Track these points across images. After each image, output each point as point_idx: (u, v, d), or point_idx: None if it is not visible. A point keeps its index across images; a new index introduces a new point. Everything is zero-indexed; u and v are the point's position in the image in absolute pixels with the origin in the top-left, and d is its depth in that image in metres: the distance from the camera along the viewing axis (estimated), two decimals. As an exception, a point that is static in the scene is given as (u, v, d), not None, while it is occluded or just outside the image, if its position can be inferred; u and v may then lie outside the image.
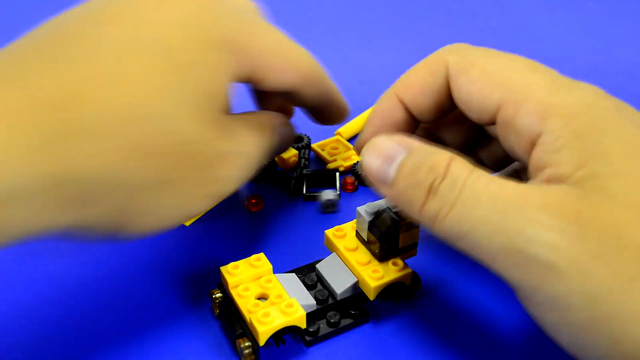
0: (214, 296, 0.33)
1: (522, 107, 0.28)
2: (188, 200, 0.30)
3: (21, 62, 0.26)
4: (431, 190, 0.27)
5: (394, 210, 0.33)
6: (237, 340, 0.31)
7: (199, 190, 0.30)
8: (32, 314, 0.34)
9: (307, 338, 0.32)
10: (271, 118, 0.36)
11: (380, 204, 0.33)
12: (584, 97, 0.28)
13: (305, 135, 0.47)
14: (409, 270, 0.33)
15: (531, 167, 0.28)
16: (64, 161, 0.25)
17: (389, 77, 0.56)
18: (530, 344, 0.32)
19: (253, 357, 0.31)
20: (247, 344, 0.31)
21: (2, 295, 0.35)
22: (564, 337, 0.25)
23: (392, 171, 0.28)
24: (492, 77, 0.30)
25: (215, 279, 0.35)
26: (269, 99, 0.40)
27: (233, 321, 0.31)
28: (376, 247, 0.33)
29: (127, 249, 0.38)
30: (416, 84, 0.33)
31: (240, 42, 0.31)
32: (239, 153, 0.31)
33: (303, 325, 0.31)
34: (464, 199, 0.26)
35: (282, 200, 0.42)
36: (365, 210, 0.33)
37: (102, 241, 0.29)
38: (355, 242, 0.34)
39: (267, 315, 0.30)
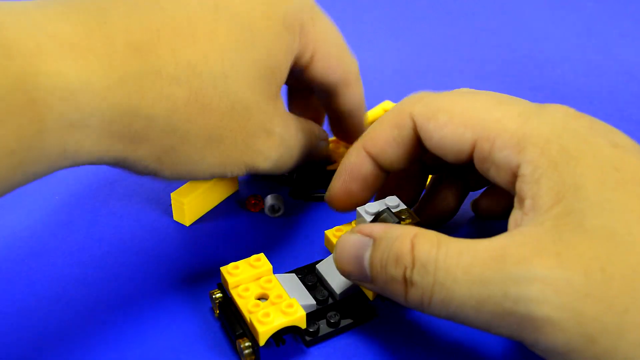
0: (214, 296, 0.33)
1: (496, 142, 0.29)
2: (226, 161, 0.31)
3: (111, 5, 0.28)
4: (407, 282, 0.27)
5: (393, 211, 0.33)
6: (237, 340, 0.31)
7: (238, 155, 0.32)
8: (32, 314, 0.34)
9: (307, 338, 0.32)
10: (318, 128, 0.38)
11: (379, 204, 0.34)
12: (554, 121, 0.28)
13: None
14: None
15: (516, 197, 0.28)
16: (135, 98, 0.27)
17: (389, 77, 0.56)
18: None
19: (253, 357, 0.31)
20: (247, 344, 0.31)
21: (2, 295, 0.35)
22: None
23: (366, 270, 0.29)
24: (460, 118, 0.31)
25: (215, 279, 0.36)
26: (304, 98, 0.42)
27: (233, 321, 0.32)
28: None
29: (128, 248, 0.38)
30: (382, 138, 0.33)
31: (303, 23, 0.34)
32: (283, 138, 0.34)
33: (303, 326, 0.31)
34: (440, 282, 0.26)
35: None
36: (365, 210, 0.33)
37: (141, 175, 0.30)
38: None
39: (267, 315, 0.30)
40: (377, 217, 0.33)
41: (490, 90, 0.53)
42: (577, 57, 0.58)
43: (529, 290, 0.24)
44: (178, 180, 0.31)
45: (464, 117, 0.30)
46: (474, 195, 0.40)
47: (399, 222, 0.32)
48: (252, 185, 0.43)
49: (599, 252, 0.24)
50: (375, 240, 0.29)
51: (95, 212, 0.41)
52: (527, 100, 0.31)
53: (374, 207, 0.33)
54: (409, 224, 0.33)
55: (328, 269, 0.34)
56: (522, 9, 0.67)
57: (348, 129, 0.41)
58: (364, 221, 0.33)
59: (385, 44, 0.61)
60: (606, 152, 0.27)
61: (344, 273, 0.30)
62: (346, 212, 0.36)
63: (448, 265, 0.26)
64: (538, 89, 0.54)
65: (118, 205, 0.41)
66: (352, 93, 0.39)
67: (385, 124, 0.34)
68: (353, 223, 0.35)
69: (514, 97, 0.31)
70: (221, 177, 0.34)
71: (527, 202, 0.27)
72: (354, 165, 0.34)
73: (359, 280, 0.30)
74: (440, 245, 0.27)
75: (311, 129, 0.37)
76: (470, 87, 0.54)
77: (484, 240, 0.26)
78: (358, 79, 0.39)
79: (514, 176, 0.28)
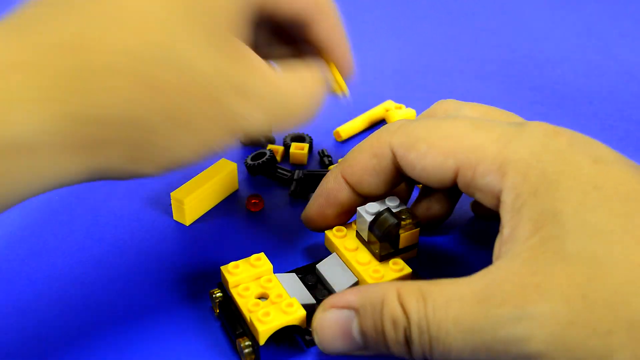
0: (214, 296, 0.33)
1: (478, 168, 0.29)
2: (206, 137, 0.29)
3: (30, 15, 0.26)
4: (407, 342, 0.27)
5: (394, 211, 0.33)
6: (237, 340, 0.31)
7: (217, 127, 0.29)
8: (32, 313, 0.34)
9: (307, 338, 0.32)
10: (317, 69, 0.34)
11: (380, 204, 0.34)
12: (533, 142, 0.29)
13: (307, 135, 0.47)
14: (409, 270, 0.33)
15: (501, 219, 0.29)
16: (78, 99, 0.25)
17: (389, 77, 0.56)
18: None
19: (253, 356, 0.31)
20: (247, 343, 0.30)
21: (2, 295, 0.35)
22: None
23: (358, 341, 0.29)
24: (440, 147, 0.31)
25: (215, 278, 0.35)
26: (278, 42, 0.38)
27: (233, 321, 0.31)
28: (376, 247, 0.33)
29: (128, 248, 0.38)
30: (361, 166, 0.34)
31: None
32: (264, 93, 0.30)
33: (303, 325, 0.31)
34: (435, 336, 0.26)
35: (282, 200, 0.42)
36: (365, 210, 0.33)
37: (126, 179, 0.28)
38: (356, 242, 0.34)
39: (267, 314, 0.30)
40: (378, 217, 0.33)
41: (490, 90, 0.54)
42: (577, 57, 0.58)
43: (516, 330, 0.25)
44: (168, 173, 0.29)
45: (444, 145, 0.31)
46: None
47: (399, 223, 0.33)
48: (252, 185, 0.43)
49: (579, 278, 0.25)
50: (357, 310, 0.29)
51: (95, 212, 0.41)
52: (504, 122, 0.31)
53: (374, 207, 0.33)
54: (409, 224, 0.33)
55: (328, 269, 0.34)
56: (522, 9, 0.67)
57: (335, 62, 0.38)
58: (365, 221, 0.33)
59: (385, 43, 0.61)
60: (586, 170, 0.27)
61: (330, 349, 0.30)
62: (320, 232, 0.36)
63: (438, 320, 0.26)
64: (538, 89, 0.54)
65: (118, 205, 0.41)
66: (331, 19, 0.36)
67: (364, 152, 0.34)
68: (353, 224, 0.35)
69: (491, 121, 0.31)
70: (215, 153, 0.30)
71: (506, 232, 0.28)
72: (331, 190, 0.35)
73: (349, 351, 0.29)
74: (426, 299, 0.27)
75: (310, 73, 0.33)
76: (470, 88, 0.54)
77: (467, 281, 0.27)
78: (332, 5, 0.36)
79: (497, 200, 0.29)
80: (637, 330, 0.24)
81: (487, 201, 0.30)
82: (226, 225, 0.40)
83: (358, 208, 0.34)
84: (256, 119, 0.29)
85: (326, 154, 0.45)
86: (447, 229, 0.39)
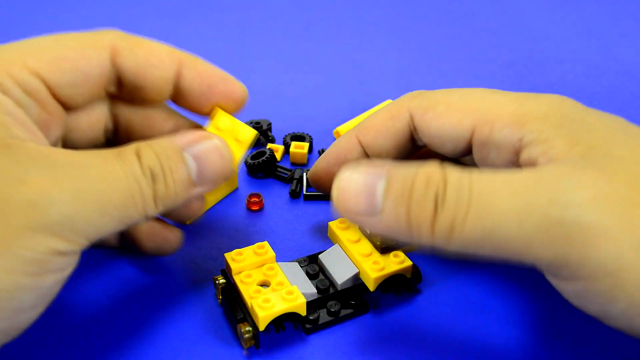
0: (217, 282, 0.33)
1: (496, 123, 0.29)
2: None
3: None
4: (437, 202, 0.24)
5: None
6: (237, 325, 0.31)
7: (12, 229, 0.24)
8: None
9: (307, 326, 0.32)
10: (172, 138, 0.29)
11: None
12: (550, 101, 0.29)
13: (307, 134, 0.47)
14: (409, 263, 0.33)
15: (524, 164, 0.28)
16: None
17: (389, 77, 0.56)
18: (529, 336, 0.32)
19: (253, 341, 0.31)
20: (247, 328, 0.31)
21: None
22: (618, 305, 0.23)
23: (378, 198, 0.26)
24: (458, 107, 0.31)
25: (213, 275, 0.36)
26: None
27: (235, 306, 0.32)
28: (378, 240, 0.34)
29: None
30: (376, 127, 0.33)
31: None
32: (58, 173, 0.25)
33: (303, 313, 0.31)
34: (477, 197, 0.24)
35: (282, 199, 0.42)
36: None
37: None
38: (358, 234, 0.35)
39: (267, 301, 0.30)
40: None
41: (490, 89, 0.54)
42: (577, 57, 0.58)
43: (579, 195, 0.22)
44: None
45: (462, 105, 0.31)
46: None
47: None
48: (252, 184, 0.43)
49: (635, 170, 0.23)
50: (389, 171, 0.26)
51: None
52: None
53: None
54: None
55: (330, 259, 0.34)
56: (522, 9, 0.67)
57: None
58: None
59: (385, 43, 0.61)
60: (608, 117, 0.28)
61: (346, 207, 0.27)
62: (324, 192, 0.36)
63: (484, 181, 0.24)
64: (538, 89, 0.54)
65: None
66: (194, 68, 0.31)
67: (381, 115, 0.34)
68: None
69: (507, 91, 0.31)
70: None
71: (541, 160, 0.26)
72: (341, 149, 0.34)
73: (363, 214, 0.27)
74: (472, 170, 0.25)
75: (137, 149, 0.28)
76: (470, 88, 0.54)
77: (515, 170, 0.25)
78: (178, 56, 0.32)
79: (516, 154, 0.28)
80: None
81: (502, 159, 0.29)
82: (226, 223, 0.40)
83: None
84: (61, 202, 0.25)
85: (326, 153, 0.45)
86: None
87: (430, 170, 0.25)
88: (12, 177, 0.25)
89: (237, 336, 0.32)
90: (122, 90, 0.32)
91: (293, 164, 0.45)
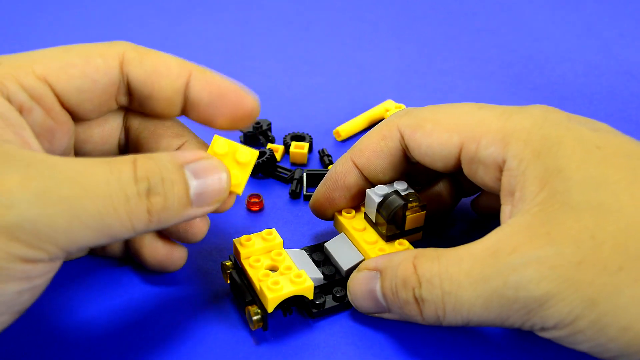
0: (225, 266, 0.34)
1: (482, 141, 0.30)
2: None
3: None
4: (418, 301, 0.28)
5: (402, 194, 0.34)
6: (246, 307, 0.32)
7: None
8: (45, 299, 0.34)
9: (313, 310, 0.33)
10: (172, 153, 0.28)
11: (389, 187, 0.35)
12: (534, 115, 0.30)
13: (307, 134, 0.47)
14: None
15: (502, 192, 0.29)
16: None
17: (389, 77, 0.56)
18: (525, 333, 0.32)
19: (261, 323, 0.32)
20: (256, 310, 0.31)
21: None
22: (584, 345, 0.26)
23: (381, 301, 0.31)
24: (445, 125, 0.32)
25: (215, 278, 0.36)
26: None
27: (243, 290, 0.32)
28: (383, 228, 0.34)
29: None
30: (369, 149, 0.34)
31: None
32: (24, 172, 0.24)
33: (310, 296, 0.32)
34: (447, 291, 0.27)
35: (282, 199, 0.42)
36: (374, 192, 0.34)
37: None
38: (364, 223, 0.35)
39: (276, 283, 0.31)
40: (385, 199, 0.34)
41: (490, 90, 0.54)
42: (577, 57, 0.58)
43: (526, 274, 0.25)
44: None
45: (449, 123, 0.32)
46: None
47: (405, 204, 0.34)
48: (252, 185, 0.43)
49: (587, 222, 0.26)
50: (381, 271, 0.31)
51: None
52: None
53: (382, 189, 0.34)
54: (415, 206, 0.34)
55: (336, 247, 0.35)
56: (522, 9, 0.67)
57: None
58: (373, 203, 0.34)
59: (385, 43, 0.61)
60: (587, 134, 0.28)
61: (362, 309, 0.32)
62: (326, 219, 0.37)
63: (451, 274, 0.27)
64: (538, 89, 0.54)
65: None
66: (202, 79, 0.31)
67: (372, 136, 0.34)
68: (362, 207, 0.36)
69: (493, 104, 0.32)
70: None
71: (517, 195, 0.28)
72: (339, 174, 0.35)
73: (377, 312, 0.32)
74: (440, 258, 0.28)
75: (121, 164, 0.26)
76: (470, 87, 0.54)
77: (479, 241, 0.28)
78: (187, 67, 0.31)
79: (500, 171, 0.29)
80: None
81: (489, 176, 0.30)
82: (226, 224, 0.40)
83: (367, 190, 0.35)
84: (23, 204, 0.23)
85: (326, 153, 0.45)
86: (449, 227, 0.39)
87: (405, 272, 0.29)
88: None
89: (246, 318, 0.32)
90: (133, 101, 0.32)
91: (293, 164, 0.45)
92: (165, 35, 0.62)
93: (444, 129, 0.31)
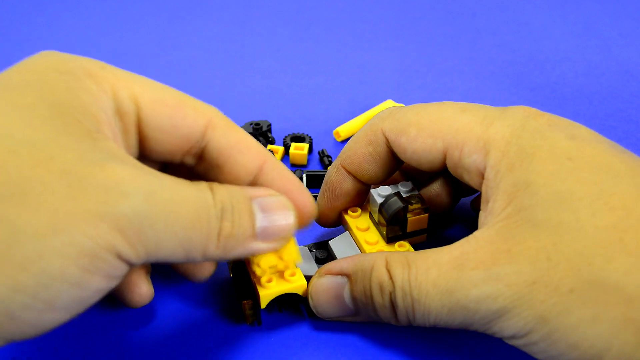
0: (230, 261, 0.34)
1: (464, 148, 0.31)
2: (58, 223, 0.22)
3: None
4: (393, 306, 0.29)
5: (404, 196, 0.34)
6: (242, 302, 0.32)
7: (69, 205, 0.23)
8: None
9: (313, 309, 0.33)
10: (242, 187, 0.29)
11: (393, 187, 0.35)
12: (514, 122, 0.30)
13: (307, 135, 0.47)
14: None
15: (482, 199, 0.30)
16: None
17: (389, 77, 0.56)
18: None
19: (254, 318, 0.32)
20: (251, 305, 0.32)
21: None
22: (540, 355, 0.27)
23: (349, 306, 0.31)
24: (429, 130, 0.32)
25: (217, 283, 0.36)
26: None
27: (242, 284, 0.33)
28: (384, 229, 0.34)
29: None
30: (359, 155, 0.35)
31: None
32: (138, 177, 0.25)
33: (304, 295, 0.32)
34: (416, 299, 0.29)
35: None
36: (377, 192, 0.35)
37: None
38: (368, 222, 0.36)
39: (270, 281, 0.31)
40: (387, 200, 0.34)
41: (490, 90, 0.54)
42: (577, 57, 0.58)
43: (485, 289, 0.27)
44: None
45: (432, 128, 0.32)
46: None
47: (405, 207, 0.34)
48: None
49: (546, 242, 0.26)
50: (349, 276, 0.31)
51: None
52: (490, 106, 0.32)
53: (386, 190, 0.35)
54: (417, 209, 0.34)
55: (339, 245, 0.35)
56: (522, 9, 0.67)
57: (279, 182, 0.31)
58: (376, 204, 0.34)
59: (385, 43, 0.61)
60: (562, 144, 0.29)
61: (324, 314, 0.32)
62: (335, 227, 0.37)
63: (419, 283, 0.28)
64: (538, 89, 0.54)
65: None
66: (275, 170, 0.31)
67: (359, 141, 0.35)
68: (369, 206, 0.36)
69: (477, 104, 0.32)
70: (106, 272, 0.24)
71: (489, 206, 0.29)
72: (335, 183, 0.36)
73: (342, 316, 0.32)
74: (410, 265, 0.29)
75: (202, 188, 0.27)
76: (470, 87, 0.54)
77: (447, 249, 0.29)
78: (224, 117, 0.31)
79: (482, 177, 0.30)
80: (598, 290, 0.25)
81: (474, 181, 0.31)
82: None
83: (371, 190, 0.35)
84: (135, 198, 0.24)
85: (326, 154, 0.45)
86: (450, 227, 0.39)
87: (381, 276, 0.30)
88: (92, 160, 0.24)
89: (242, 312, 0.33)
90: (200, 164, 0.31)
91: (293, 165, 0.45)
92: (166, 35, 0.62)
93: (427, 134, 0.32)
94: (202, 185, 0.27)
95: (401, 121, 0.33)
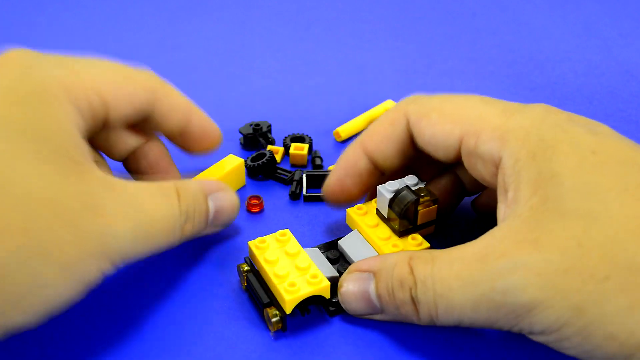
0: (242, 269, 0.34)
1: (481, 136, 0.31)
2: (72, 265, 0.27)
3: None
4: (414, 302, 0.29)
5: (413, 188, 0.34)
6: (264, 309, 0.32)
7: (79, 250, 0.27)
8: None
9: (331, 308, 0.33)
10: (201, 184, 0.35)
11: (399, 182, 0.35)
12: (534, 115, 0.30)
13: (307, 135, 0.47)
14: (427, 245, 0.34)
15: (498, 189, 0.30)
16: None
17: (389, 77, 0.56)
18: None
19: (280, 325, 0.32)
20: (274, 312, 0.32)
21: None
22: (571, 351, 0.26)
23: (375, 302, 0.31)
24: (450, 117, 0.32)
25: (215, 280, 0.36)
26: (122, 142, 0.37)
27: (262, 292, 0.33)
28: (396, 223, 0.34)
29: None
30: (378, 133, 0.35)
31: (69, 82, 0.31)
32: (119, 207, 0.29)
33: (327, 295, 0.32)
34: (439, 293, 0.28)
35: (282, 201, 0.42)
36: (385, 188, 0.35)
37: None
38: (376, 219, 0.36)
39: (293, 285, 0.31)
40: (397, 195, 0.34)
41: (490, 90, 0.54)
42: (577, 57, 0.58)
43: (513, 280, 0.26)
44: (46, 319, 0.27)
45: (453, 115, 0.32)
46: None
47: (417, 199, 0.34)
48: (252, 186, 0.43)
49: (575, 230, 0.26)
50: (375, 273, 0.31)
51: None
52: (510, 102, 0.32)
53: (393, 185, 0.35)
54: (427, 200, 0.35)
55: (350, 244, 0.35)
56: (522, 9, 0.67)
57: (190, 140, 0.38)
58: (385, 199, 0.34)
59: (385, 43, 0.61)
60: (584, 138, 0.28)
61: (353, 311, 0.32)
62: (339, 208, 0.37)
63: (443, 277, 0.28)
64: (538, 89, 0.54)
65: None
66: (167, 102, 0.36)
67: (382, 121, 0.35)
68: (373, 202, 0.36)
69: (499, 99, 0.32)
70: (92, 282, 0.28)
71: (510, 195, 0.29)
72: (349, 161, 0.36)
73: (369, 313, 0.32)
74: (434, 260, 0.29)
75: (187, 187, 0.33)
76: (470, 88, 0.54)
77: (471, 243, 0.28)
78: (168, 87, 0.37)
79: (497, 168, 0.30)
80: (634, 275, 0.24)
81: (487, 171, 0.31)
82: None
83: (378, 187, 0.35)
84: (123, 236, 0.29)
85: (318, 155, 0.45)
86: (450, 227, 0.39)
87: (402, 272, 0.30)
88: (90, 206, 0.28)
89: (265, 320, 0.33)
90: (144, 126, 0.37)
91: (293, 165, 0.45)
92: (166, 35, 0.62)
93: (447, 120, 0.32)
94: (171, 192, 0.32)
95: (425, 106, 0.33)
